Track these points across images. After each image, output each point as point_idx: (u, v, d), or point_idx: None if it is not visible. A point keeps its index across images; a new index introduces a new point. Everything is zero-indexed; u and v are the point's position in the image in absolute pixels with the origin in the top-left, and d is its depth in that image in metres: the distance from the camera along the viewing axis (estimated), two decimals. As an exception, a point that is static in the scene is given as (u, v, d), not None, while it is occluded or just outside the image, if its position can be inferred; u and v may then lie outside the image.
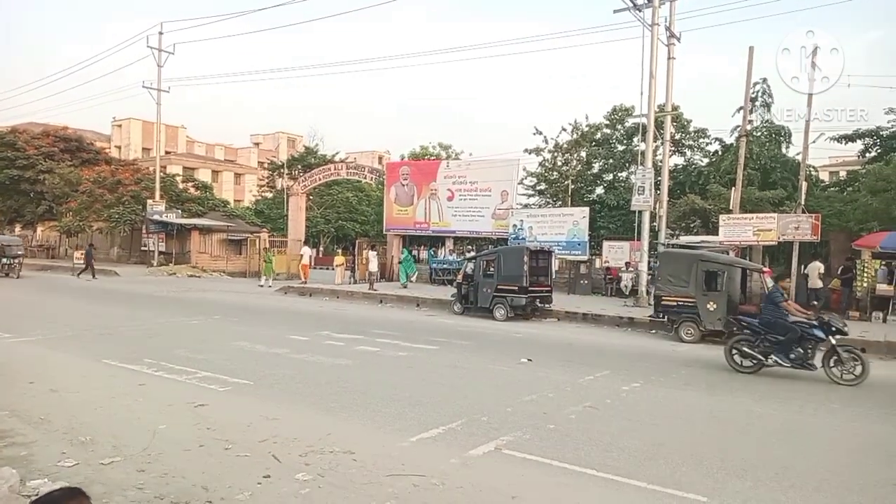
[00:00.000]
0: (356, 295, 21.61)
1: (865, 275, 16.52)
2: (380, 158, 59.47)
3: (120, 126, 66.65)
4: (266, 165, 56.25)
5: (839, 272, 18.11)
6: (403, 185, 28.84)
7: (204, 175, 57.08)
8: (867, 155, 28.47)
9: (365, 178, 33.70)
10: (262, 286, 24.74)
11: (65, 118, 63.06)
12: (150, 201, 33.20)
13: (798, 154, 30.29)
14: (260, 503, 4.56)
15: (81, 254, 29.03)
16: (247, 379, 8.44)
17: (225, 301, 19.39)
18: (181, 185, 39.82)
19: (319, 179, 33.33)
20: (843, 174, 36.72)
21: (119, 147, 64.86)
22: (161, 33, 33.03)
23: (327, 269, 33.98)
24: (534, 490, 4.92)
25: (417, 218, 28.26)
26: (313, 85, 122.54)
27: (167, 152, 61.14)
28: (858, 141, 28.45)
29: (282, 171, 49.72)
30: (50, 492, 2.14)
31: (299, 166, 46.48)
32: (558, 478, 5.23)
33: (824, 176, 37.55)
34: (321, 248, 45.57)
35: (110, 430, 6.13)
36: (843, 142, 28.56)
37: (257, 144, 74.50)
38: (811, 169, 28.64)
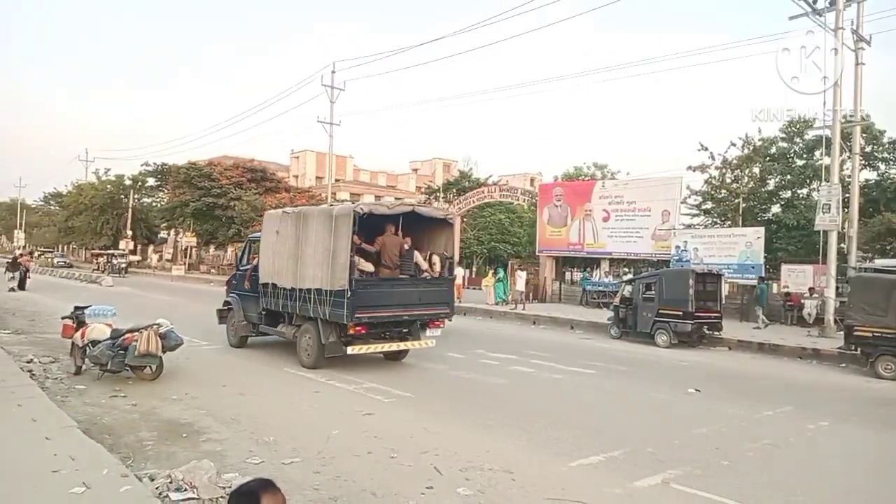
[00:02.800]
0: (508, 315, 21.66)
1: None
2: (532, 180, 59.54)
3: (297, 157, 73.48)
4: (423, 190, 58.75)
5: None
6: (557, 206, 28.55)
7: (368, 200, 60.98)
8: None
9: (517, 199, 33.88)
10: None
11: (252, 151, 70.94)
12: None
13: None
14: (423, 513, 4.69)
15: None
16: (409, 392, 8.78)
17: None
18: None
19: (473, 202, 34.08)
20: None
21: (296, 176, 71.46)
22: (333, 72, 35.99)
23: (475, 288, 34.43)
24: (707, 529, 4.56)
25: (571, 239, 27.78)
26: (469, 111, 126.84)
27: (337, 180, 66.24)
28: None
29: (438, 194, 51.59)
30: (248, 481, 2.36)
31: (454, 190, 47.93)
32: (735, 519, 4.80)
33: None
34: (473, 269, 46.41)
35: (290, 432, 6.67)
36: None
37: (416, 170, 78.21)
38: None
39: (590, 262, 29.07)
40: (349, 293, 9.43)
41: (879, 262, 19.10)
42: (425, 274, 10.62)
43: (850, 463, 6.38)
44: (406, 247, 10.60)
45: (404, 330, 10.89)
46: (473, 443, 6.42)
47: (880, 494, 5.46)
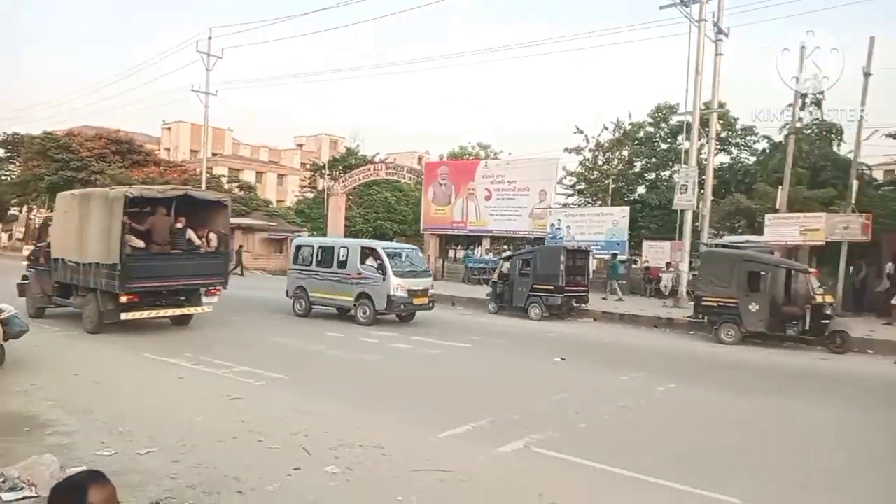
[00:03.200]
0: (393, 293, 21.76)
1: (923, 276, 15.76)
2: (419, 159, 59.73)
3: (169, 129, 68.67)
4: (308, 166, 57.19)
5: (889, 272, 17.36)
6: (441, 185, 28.91)
7: (248, 176, 58.29)
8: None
9: (403, 177, 33.92)
10: None
11: (118, 122, 65.51)
12: (195, 201, 34.08)
13: (850, 152, 29.28)
14: (289, 494, 4.63)
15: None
16: (282, 374, 8.58)
17: (264, 298, 19.77)
18: (226, 186, 40.79)
19: (359, 180, 33.70)
20: (880, 176, 35.11)
21: (168, 149, 66.85)
22: (210, 38, 33.81)
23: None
24: (561, 488, 4.87)
25: (455, 217, 28.29)
26: (357, 87, 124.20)
27: (214, 154, 62.71)
28: (916, 137, 27.15)
29: (323, 171, 50.47)
30: (73, 474, 2.21)
31: (340, 167, 47.07)
32: (587, 477, 5.16)
33: (878, 174, 35.95)
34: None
35: (148, 421, 6.31)
36: (899, 139, 27.33)
37: (300, 146, 75.79)
38: (864, 167, 27.53)
39: (472, 240, 29.78)
40: (119, 266, 10.63)
41: (727, 239, 21.14)
42: (201, 249, 11.92)
43: (693, 420, 7.05)
44: (179, 225, 11.71)
45: (181, 298, 12.10)
46: (345, 421, 6.42)
47: (720, 445, 6.09)
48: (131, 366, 9.07)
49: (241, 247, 32.41)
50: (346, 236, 35.35)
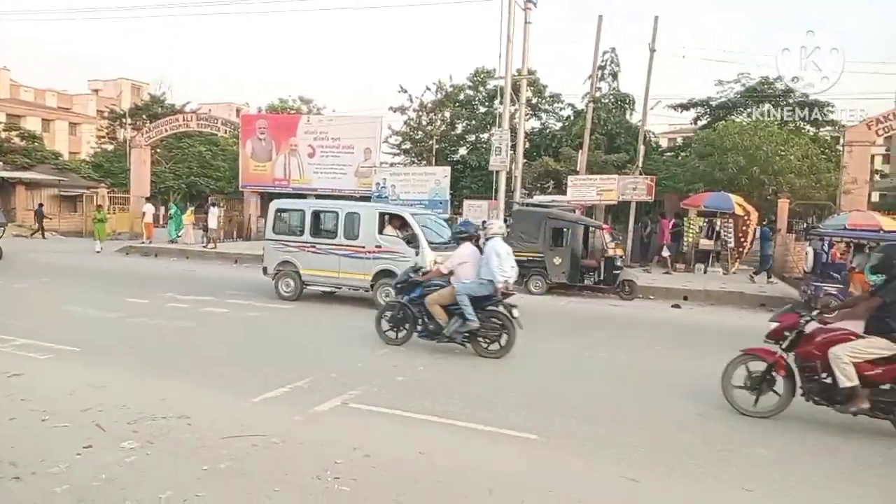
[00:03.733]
0: (208, 255, 20.50)
1: (690, 231, 18.38)
2: (237, 111, 56.01)
3: (-78, 63, 56.93)
4: (106, 115, 50.96)
5: (670, 228, 20.01)
6: (261, 140, 27.47)
7: (33, 124, 50.57)
8: (699, 122, 31.38)
9: (218, 130, 31.57)
10: (99, 252, 21.44)
11: None
12: (-40, 151, 28.98)
13: (639, 121, 32.91)
14: (78, 475, 4.21)
15: None
16: (73, 345, 7.72)
17: (55, 263, 17.56)
18: (3, 134, 35.08)
19: (166, 131, 30.78)
20: (679, 140, 40.21)
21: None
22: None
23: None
24: (374, 439, 5.01)
25: (276, 175, 27.14)
26: (165, 27, 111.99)
27: (-17, 96, 53.40)
28: (692, 109, 31.21)
29: (124, 120, 45.36)
30: None
31: (144, 116, 42.62)
32: (401, 426, 5.36)
33: (663, 142, 40.95)
34: (170, 206, 42.52)
35: None
36: (679, 110, 31.24)
37: (96, 91, 67.07)
38: (651, 135, 31.15)
39: (296, 198, 28.76)
40: None
41: (537, 199, 22.80)
42: None
43: (497, 366, 7.60)
44: None
45: None
46: (147, 393, 5.97)
47: (520, 387, 6.64)
48: None
49: (41, 205, 28.44)
50: (152, 192, 32.36)
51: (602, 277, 14.02)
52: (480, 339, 7.87)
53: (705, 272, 18.06)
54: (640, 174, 19.93)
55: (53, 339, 7.92)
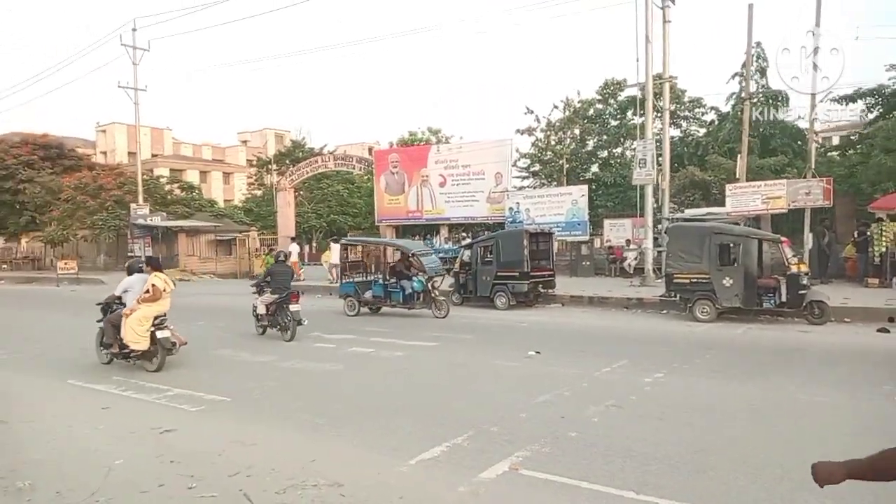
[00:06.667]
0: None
1: (884, 238, 15.63)
2: (370, 150, 58.31)
3: (104, 131, 65.34)
4: (254, 163, 55.09)
5: (855, 237, 17.25)
6: (393, 174, 27.85)
7: (192, 176, 55.90)
8: (870, 115, 27.49)
9: (353, 167, 32.70)
10: None
11: (44, 125, 61.71)
12: (133, 205, 32.14)
13: (798, 119, 29.46)
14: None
15: (65, 263, 28.14)
16: (224, 395, 7.51)
17: (212, 304, 18.47)
18: (167, 188, 38.73)
19: (307, 172, 32.29)
20: (835, 139, 35.79)
21: (105, 153, 63.61)
22: (134, 30, 31.77)
23: (316, 264, 32.84)
24: (561, 523, 4.03)
25: (410, 206, 27.31)
26: (302, 77, 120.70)
27: (154, 155, 59.91)
28: (860, 101, 27.44)
29: (269, 166, 48.63)
30: None
31: (287, 161, 45.38)
32: (586, 502, 4.33)
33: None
34: (314, 244, 44.62)
35: (59, 468, 5.22)
36: (844, 102, 27.55)
37: (245, 142, 73.25)
38: (806, 133, 27.76)
39: (430, 229, 28.82)
40: None
41: (689, 212, 20.81)
42: None
43: (692, 415, 6.33)
44: None
45: None
46: (298, 452, 5.44)
47: (731, 445, 5.37)
48: (48, 395, 7.86)
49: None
50: (297, 233, 33.97)
51: (784, 299, 12.03)
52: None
53: (906, 285, 15.22)
54: (814, 176, 17.41)
55: (206, 388, 7.79)
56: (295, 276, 24.24)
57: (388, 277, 15.13)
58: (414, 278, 14.54)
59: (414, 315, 14.67)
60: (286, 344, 11.05)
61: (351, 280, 15.76)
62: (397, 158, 28.45)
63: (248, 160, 65.96)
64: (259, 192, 50.18)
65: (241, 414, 6.76)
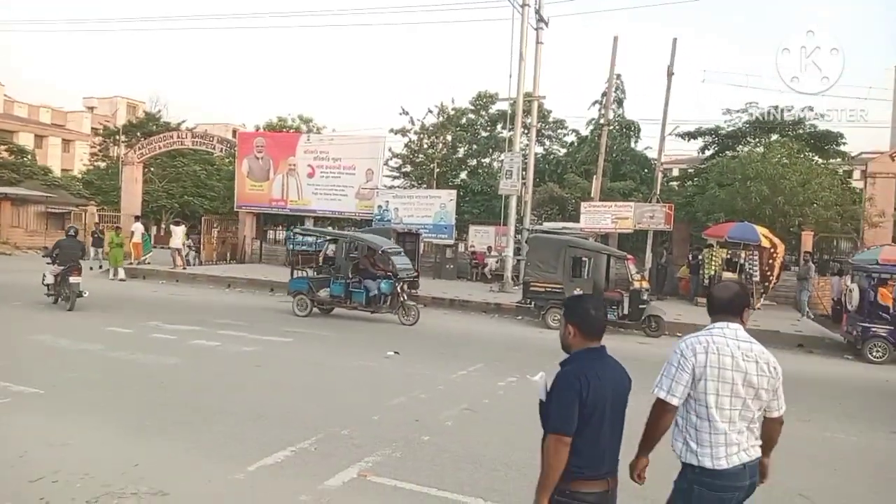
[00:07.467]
0: (199, 278, 19.32)
1: (713, 262, 17.35)
2: (234, 132, 55.19)
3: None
4: (100, 132, 50.00)
5: (689, 260, 19.00)
6: (258, 159, 26.47)
7: (25, 139, 49.55)
8: (706, 151, 30.67)
9: (214, 148, 30.57)
10: (122, 279, 18.91)
11: None
12: (-58, 164, 27.83)
13: (646, 148, 32.17)
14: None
15: None
16: (37, 386, 6.56)
17: (34, 284, 16.32)
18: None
19: (159, 148, 29.74)
20: (675, 171, 39.57)
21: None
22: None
23: (164, 247, 30.50)
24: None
25: (273, 195, 26.09)
26: (166, 48, 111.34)
27: (-25, 110, 52.42)
28: (700, 138, 30.53)
29: (117, 137, 44.40)
30: None
31: (138, 134, 41.60)
32: (437, 511, 4.23)
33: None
34: (163, 225, 41.37)
35: None
36: (686, 138, 30.53)
37: (91, 109, 66.26)
38: (653, 162, 30.41)
39: (294, 221, 27.72)
40: None
41: (547, 225, 21.80)
42: None
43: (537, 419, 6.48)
44: None
45: None
46: (118, 455, 4.82)
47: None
48: None
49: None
50: (144, 211, 31.24)
51: (627, 312, 12.91)
52: None
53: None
54: (658, 202, 18.97)
55: (15, 379, 6.77)
56: (133, 258, 22.19)
57: (350, 275, 13.28)
58: (381, 279, 12.95)
59: (325, 316, 13.28)
60: (119, 332, 9.99)
61: (304, 276, 13.98)
62: (263, 143, 27.07)
63: (93, 128, 59.71)
64: (103, 165, 45.56)
65: (54, 409, 5.92)
